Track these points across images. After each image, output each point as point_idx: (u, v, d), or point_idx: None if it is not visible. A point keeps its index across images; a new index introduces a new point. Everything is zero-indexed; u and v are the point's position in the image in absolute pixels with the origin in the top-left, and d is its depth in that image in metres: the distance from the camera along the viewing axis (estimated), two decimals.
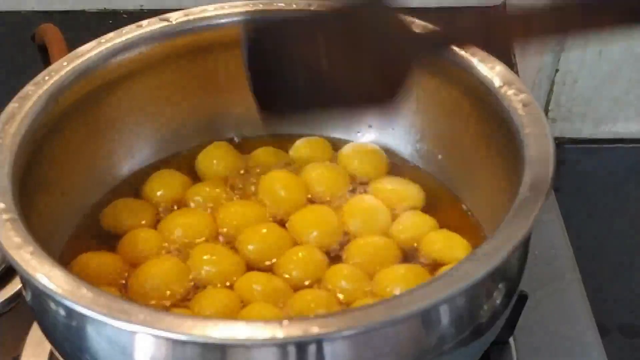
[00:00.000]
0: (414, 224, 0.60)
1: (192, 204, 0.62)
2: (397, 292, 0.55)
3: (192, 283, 0.57)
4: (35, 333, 0.60)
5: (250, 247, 0.59)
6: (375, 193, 0.63)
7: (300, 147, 0.67)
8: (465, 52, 0.59)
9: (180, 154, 0.67)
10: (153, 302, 0.55)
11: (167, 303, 0.55)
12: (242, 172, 0.65)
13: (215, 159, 0.65)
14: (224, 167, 0.65)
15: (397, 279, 0.56)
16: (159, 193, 0.63)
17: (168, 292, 0.56)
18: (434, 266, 0.58)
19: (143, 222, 0.61)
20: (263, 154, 0.66)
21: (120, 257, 0.58)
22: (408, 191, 0.63)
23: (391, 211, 0.61)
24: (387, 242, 0.59)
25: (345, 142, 0.67)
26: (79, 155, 0.61)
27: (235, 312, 0.54)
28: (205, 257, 0.58)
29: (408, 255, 0.59)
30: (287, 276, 0.57)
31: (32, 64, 0.77)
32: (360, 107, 0.56)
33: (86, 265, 0.57)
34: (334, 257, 0.59)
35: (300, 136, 0.68)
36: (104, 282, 0.56)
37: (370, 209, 0.61)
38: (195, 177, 0.65)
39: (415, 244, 0.59)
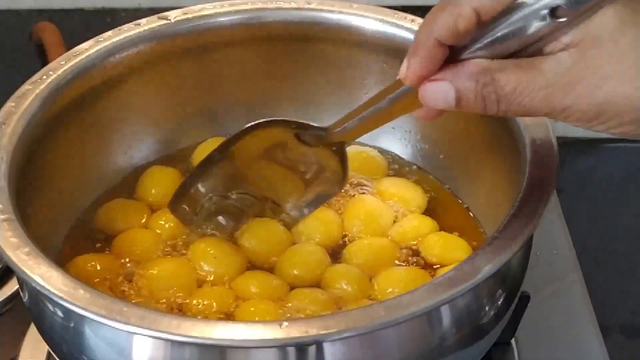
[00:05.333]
0: (414, 227, 0.60)
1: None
2: (395, 294, 0.54)
3: (195, 281, 0.56)
4: (32, 334, 0.60)
5: (252, 245, 0.58)
6: (378, 195, 0.62)
7: None
8: None
9: (179, 154, 0.67)
10: (162, 300, 0.55)
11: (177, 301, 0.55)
12: None
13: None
14: None
15: (396, 281, 0.55)
16: (152, 191, 0.62)
17: (176, 291, 0.55)
18: (434, 268, 0.57)
19: (136, 222, 0.60)
20: None
21: (114, 257, 0.58)
22: (411, 194, 0.62)
23: (393, 213, 0.61)
24: (387, 243, 0.59)
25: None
26: (77, 154, 0.60)
27: (229, 308, 0.54)
28: (207, 255, 0.57)
29: (408, 257, 0.58)
30: (288, 274, 0.56)
31: (30, 63, 0.77)
32: None
33: (82, 267, 0.56)
34: (335, 258, 0.58)
35: None
36: (99, 284, 0.55)
37: (371, 210, 0.61)
38: None
39: (416, 246, 0.59)
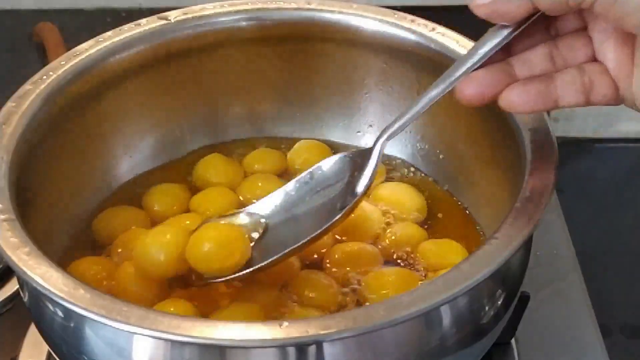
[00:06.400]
0: (406, 234, 0.59)
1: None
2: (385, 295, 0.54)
3: None
4: (33, 334, 0.60)
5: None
6: (377, 201, 0.62)
7: (299, 151, 0.66)
8: (467, 50, 0.59)
9: (180, 155, 0.67)
10: None
11: None
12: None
13: (212, 169, 0.65)
14: (224, 176, 0.64)
15: (385, 282, 0.55)
16: (160, 207, 0.62)
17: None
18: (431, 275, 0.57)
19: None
20: (260, 157, 0.66)
21: (112, 259, 0.58)
22: (410, 201, 0.62)
23: (384, 219, 0.61)
24: (370, 248, 0.58)
25: (345, 144, 0.67)
26: (77, 155, 0.60)
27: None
28: None
29: (402, 264, 0.58)
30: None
31: (30, 63, 0.77)
32: None
33: (82, 270, 0.56)
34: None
35: (299, 139, 0.67)
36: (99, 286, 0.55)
37: (361, 214, 0.60)
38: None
39: (408, 254, 0.58)
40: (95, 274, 0.56)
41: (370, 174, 0.53)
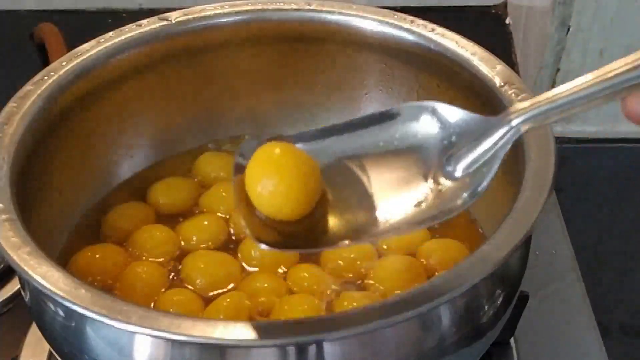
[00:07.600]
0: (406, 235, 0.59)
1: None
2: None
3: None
4: (34, 333, 0.60)
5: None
6: None
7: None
8: (466, 51, 0.59)
9: (180, 155, 0.67)
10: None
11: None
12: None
13: (211, 165, 0.65)
14: (227, 170, 0.65)
15: (389, 269, 0.56)
16: (168, 201, 0.63)
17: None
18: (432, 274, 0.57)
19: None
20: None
21: (125, 251, 0.59)
22: None
23: None
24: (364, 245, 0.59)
25: None
26: (78, 155, 0.61)
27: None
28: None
29: None
30: None
31: (31, 64, 0.77)
32: None
33: (90, 258, 0.57)
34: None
35: None
36: (106, 275, 0.57)
37: None
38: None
39: (411, 253, 0.58)
40: (103, 261, 0.57)
41: (494, 169, 0.45)
